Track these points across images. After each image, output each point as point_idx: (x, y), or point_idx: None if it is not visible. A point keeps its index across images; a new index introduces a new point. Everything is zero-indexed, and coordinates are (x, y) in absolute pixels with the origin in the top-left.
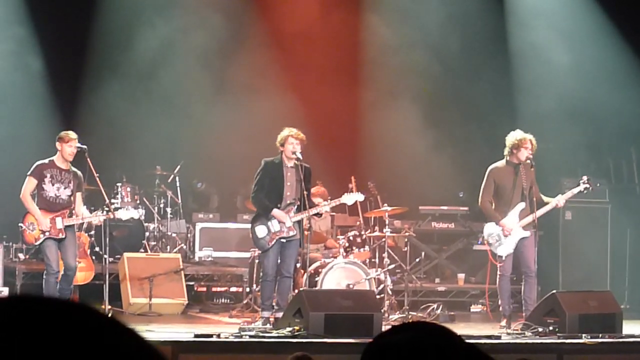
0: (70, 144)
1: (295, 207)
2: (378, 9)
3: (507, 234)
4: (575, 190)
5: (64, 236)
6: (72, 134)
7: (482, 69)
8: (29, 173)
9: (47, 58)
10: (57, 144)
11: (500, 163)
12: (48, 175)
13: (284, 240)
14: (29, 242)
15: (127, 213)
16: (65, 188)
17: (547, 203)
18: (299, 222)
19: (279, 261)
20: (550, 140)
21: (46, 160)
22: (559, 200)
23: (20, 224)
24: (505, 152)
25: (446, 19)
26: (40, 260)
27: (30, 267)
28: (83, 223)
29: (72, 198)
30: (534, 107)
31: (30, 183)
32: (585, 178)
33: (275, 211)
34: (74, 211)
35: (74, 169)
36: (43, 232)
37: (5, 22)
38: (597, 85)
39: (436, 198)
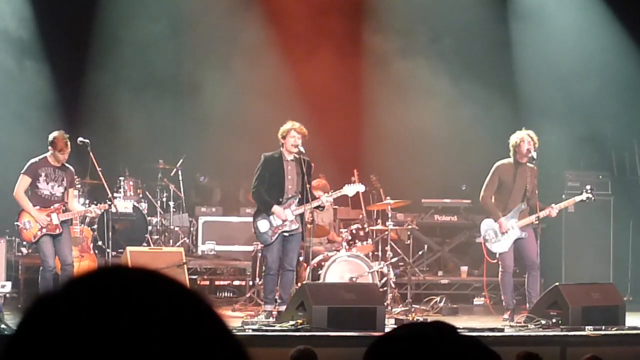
0: (63, 152)
1: (297, 200)
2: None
3: (504, 231)
4: (578, 199)
5: (60, 231)
6: (67, 144)
7: (485, 64)
8: (23, 171)
9: (49, 52)
10: (49, 147)
11: (507, 160)
12: (43, 174)
13: (286, 234)
14: (27, 239)
15: (121, 205)
16: (59, 186)
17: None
18: (301, 216)
19: (281, 255)
20: (554, 133)
21: (40, 158)
22: (552, 210)
23: (16, 223)
24: (511, 152)
25: (450, 14)
26: None
27: (32, 261)
28: (86, 217)
29: (64, 195)
30: (537, 99)
31: (24, 181)
32: (588, 187)
33: (275, 208)
34: (67, 207)
35: (66, 164)
36: (41, 229)
37: (6, 21)
38: (600, 77)
39: (439, 191)
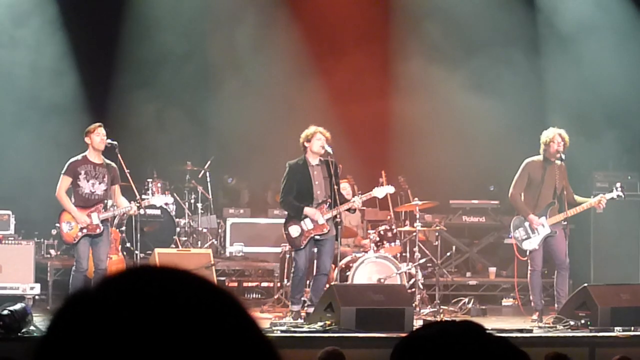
0: (97, 132)
1: (328, 204)
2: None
3: (535, 227)
4: (608, 197)
5: (101, 231)
6: (96, 124)
7: (513, 62)
8: (63, 172)
9: (78, 56)
10: (86, 139)
11: (537, 157)
12: (82, 172)
13: (318, 237)
14: (68, 241)
15: (159, 199)
16: (100, 183)
17: (580, 203)
18: (334, 219)
19: (314, 258)
20: (582, 133)
21: (79, 157)
22: (600, 201)
23: (57, 224)
24: (541, 149)
25: (476, 12)
26: (72, 256)
27: (61, 263)
28: (115, 219)
29: (107, 192)
30: (565, 100)
31: (64, 181)
32: (618, 185)
33: (306, 209)
34: (114, 203)
35: (107, 161)
36: (81, 229)
37: (39, 31)
38: (629, 77)
39: (467, 192)
